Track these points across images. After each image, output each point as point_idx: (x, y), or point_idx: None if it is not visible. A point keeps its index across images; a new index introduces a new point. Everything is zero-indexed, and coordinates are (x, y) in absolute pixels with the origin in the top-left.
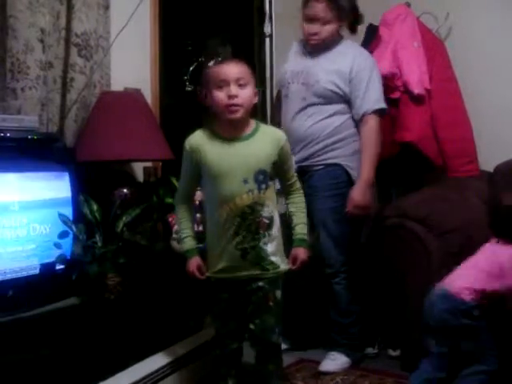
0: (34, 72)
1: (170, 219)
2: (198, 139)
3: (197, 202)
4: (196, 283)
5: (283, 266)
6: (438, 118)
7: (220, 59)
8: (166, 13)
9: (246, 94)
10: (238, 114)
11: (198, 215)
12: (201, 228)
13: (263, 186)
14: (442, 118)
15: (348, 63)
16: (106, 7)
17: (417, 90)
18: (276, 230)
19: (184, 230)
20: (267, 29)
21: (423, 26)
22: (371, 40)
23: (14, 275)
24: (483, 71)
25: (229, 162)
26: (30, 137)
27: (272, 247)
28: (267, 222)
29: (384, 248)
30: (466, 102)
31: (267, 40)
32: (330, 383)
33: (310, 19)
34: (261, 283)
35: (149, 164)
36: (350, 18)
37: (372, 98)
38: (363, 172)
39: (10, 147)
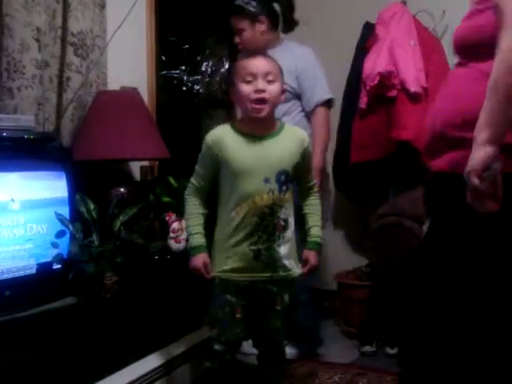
0: (30, 71)
1: (167, 218)
2: (220, 133)
3: None
4: (194, 282)
5: (295, 269)
6: None
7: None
8: (163, 11)
9: (273, 90)
10: (264, 113)
11: None
12: None
13: (284, 188)
14: None
15: (293, 61)
16: (102, 6)
17: (413, 88)
18: (290, 232)
19: (193, 227)
20: None
21: (419, 24)
22: (367, 38)
23: (11, 275)
24: None
25: (251, 159)
26: (26, 136)
27: (285, 250)
28: (283, 224)
29: (381, 246)
30: None
31: None
32: (328, 381)
33: (234, 31)
34: (270, 286)
35: (145, 163)
36: (268, 19)
37: (321, 90)
38: (314, 159)
39: (6, 147)
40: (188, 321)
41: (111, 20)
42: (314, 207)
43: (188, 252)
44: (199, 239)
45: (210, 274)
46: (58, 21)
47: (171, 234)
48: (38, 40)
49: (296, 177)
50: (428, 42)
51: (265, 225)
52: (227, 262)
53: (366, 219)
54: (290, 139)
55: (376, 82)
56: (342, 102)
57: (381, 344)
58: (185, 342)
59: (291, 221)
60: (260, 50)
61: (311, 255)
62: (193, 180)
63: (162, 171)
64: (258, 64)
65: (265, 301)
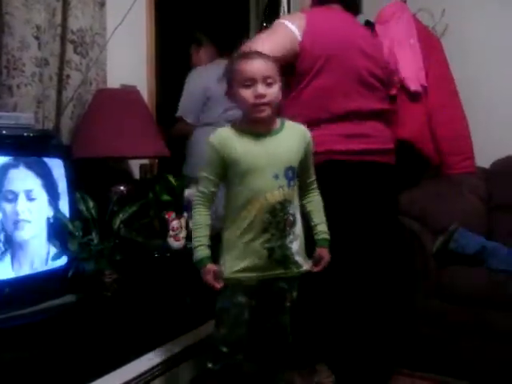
0: (29, 69)
1: (167, 216)
2: (225, 135)
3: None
4: (194, 280)
5: (305, 266)
6: (434, 114)
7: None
8: (162, 9)
9: (273, 93)
10: (265, 113)
11: None
12: None
13: (292, 183)
14: (438, 114)
15: None
16: (102, 4)
17: (413, 86)
18: (298, 228)
19: (199, 238)
20: None
21: (419, 23)
22: None
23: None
24: (479, 68)
25: (259, 157)
26: (25, 134)
27: (296, 246)
28: (292, 219)
29: None
30: (462, 98)
31: None
32: (326, 380)
33: None
34: (281, 284)
35: (145, 161)
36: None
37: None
38: None
39: (6, 145)
40: (187, 319)
41: (111, 18)
42: (316, 203)
43: (195, 265)
44: (204, 251)
45: (220, 283)
46: (58, 18)
47: (171, 232)
48: (37, 38)
49: (299, 172)
50: (428, 41)
51: (277, 221)
52: (239, 262)
53: None
54: (293, 135)
55: None
56: None
57: None
58: (184, 341)
59: (298, 216)
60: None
61: (324, 252)
62: (201, 188)
63: (161, 169)
64: (256, 68)
65: (275, 299)
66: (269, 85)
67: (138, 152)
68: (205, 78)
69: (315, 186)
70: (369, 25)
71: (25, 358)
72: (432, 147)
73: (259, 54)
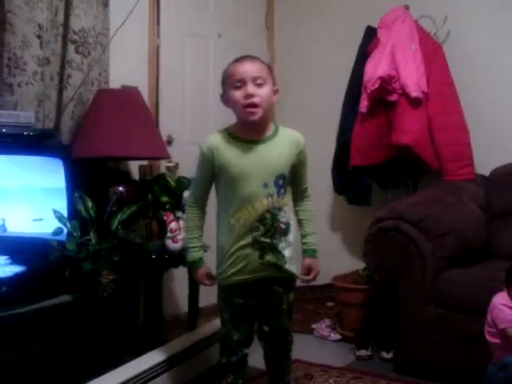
0: (30, 68)
1: (165, 218)
2: (215, 141)
3: None
4: (191, 283)
5: (296, 273)
6: (434, 121)
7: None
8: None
9: (263, 93)
10: (257, 116)
11: None
12: None
13: (282, 191)
14: (438, 121)
15: None
16: (105, 4)
17: (414, 93)
18: (292, 237)
19: (193, 240)
20: None
21: (421, 29)
22: (369, 42)
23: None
24: (481, 75)
25: (249, 164)
26: (25, 133)
27: (288, 253)
28: (284, 227)
29: (378, 250)
30: (463, 105)
31: None
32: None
33: None
34: (276, 287)
35: (144, 162)
36: None
37: None
38: None
39: (6, 143)
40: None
41: (114, 18)
42: (308, 213)
43: (187, 264)
44: (196, 253)
45: (213, 282)
46: (60, 18)
47: (169, 234)
48: (39, 37)
49: (291, 179)
50: (429, 47)
51: (266, 229)
52: (232, 266)
53: (364, 222)
54: (286, 142)
55: (377, 86)
56: (343, 105)
57: (377, 348)
58: (180, 343)
59: (293, 224)
60: None
61: (313, 262)
62: (193, 190)
63: (160, 171)
64: (245, 68)
65: (272, 302)
66: (259, 85)
67: (137, 153)
68: None
69: (308, 193)
70: (371, 30)
71: (22, 357)
72: (431, 153)
73: (250, 57)
